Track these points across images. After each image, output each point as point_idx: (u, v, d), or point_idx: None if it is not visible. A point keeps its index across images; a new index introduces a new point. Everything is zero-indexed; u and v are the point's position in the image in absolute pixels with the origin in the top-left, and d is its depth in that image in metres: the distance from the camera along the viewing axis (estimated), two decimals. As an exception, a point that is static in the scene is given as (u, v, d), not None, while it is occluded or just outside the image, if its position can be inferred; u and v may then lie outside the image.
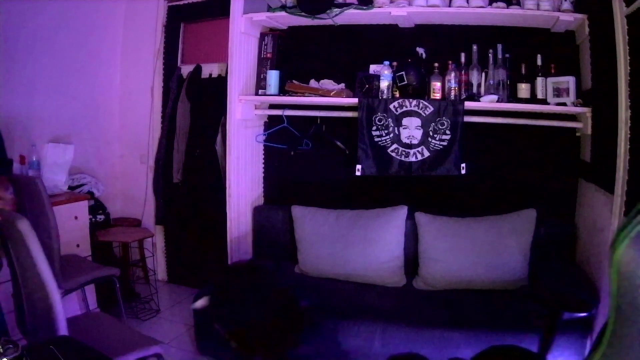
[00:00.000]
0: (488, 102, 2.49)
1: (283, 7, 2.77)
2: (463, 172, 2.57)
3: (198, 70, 3.45)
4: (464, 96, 2.57)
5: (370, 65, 2.78)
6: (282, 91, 2.86)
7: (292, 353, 1.85)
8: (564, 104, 2.44)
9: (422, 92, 2.65)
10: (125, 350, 1.69)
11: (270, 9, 2.82)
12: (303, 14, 2.70)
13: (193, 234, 3.58)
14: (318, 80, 2.85)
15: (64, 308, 1.56)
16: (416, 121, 2.58)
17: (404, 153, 2.62)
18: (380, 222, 2.68)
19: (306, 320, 1.95)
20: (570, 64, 2.54)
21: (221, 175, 3.11)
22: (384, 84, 2.64)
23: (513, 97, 2.54)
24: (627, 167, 1.93)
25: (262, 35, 2.99)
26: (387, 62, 2.65)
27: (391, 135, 2.61)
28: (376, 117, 2.61)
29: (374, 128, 2.62)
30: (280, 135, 3.03)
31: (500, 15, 2.48)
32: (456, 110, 2.52)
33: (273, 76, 2.86)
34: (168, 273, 3.77)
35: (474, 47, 2.58)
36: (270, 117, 3.11)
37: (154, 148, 3.65)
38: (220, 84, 3.06)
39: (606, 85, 2.11)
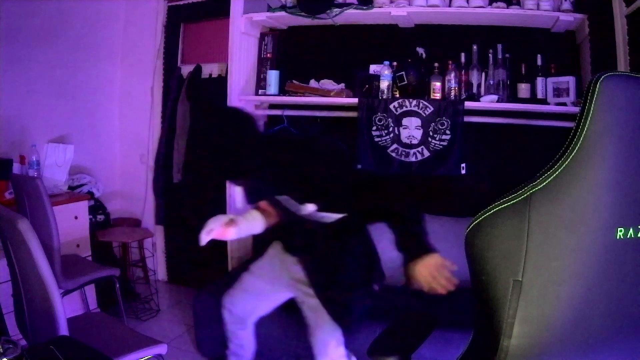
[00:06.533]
0: (488, 102, 2.49)
1: (283, 7, 2.77)
2: (463, 172, 2.57)
3: (198, 70, 3.45)
4: (464, 96, 2.57)
5: (370, 65, 2.78)
6: (282, 91, 2.85)
7: None
8: (564, 104, 2.44)
9: (422, 92, 2.65)
10: (126, 350, 1.69)
11: (270, 9, 2.82)
12: (303, 14, 2.70)
13: (193, 234, 3.57)
14: (318, 80, 2.85)
15: (64, 308, 1.55)
16: (416, 121, 2.58)
17: (404, 153, 2.62)
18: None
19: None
20: (570, 64, 2.54)
21: (221, 175, 3.11)
22: (384, 84, 2.64)
23: (513, 97, 2.54)
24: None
25: (262, 35, 2.99)
26: (387, 62, 2.65)
27: (391, 135, 2.61)
28: (376, 117, 2.61)
29: (374, 128, 2.62)
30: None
31: (500, 15, 2.48)
32: (456, 110, 2.52)
33: (273, 76, 2.86)
34: (168, 273, 3.77)
35: (474, 47, 2.57)
36: (270, 117, 3.11)
37: (154, 148, 3.64)
38: (220, 84, 3.06)
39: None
